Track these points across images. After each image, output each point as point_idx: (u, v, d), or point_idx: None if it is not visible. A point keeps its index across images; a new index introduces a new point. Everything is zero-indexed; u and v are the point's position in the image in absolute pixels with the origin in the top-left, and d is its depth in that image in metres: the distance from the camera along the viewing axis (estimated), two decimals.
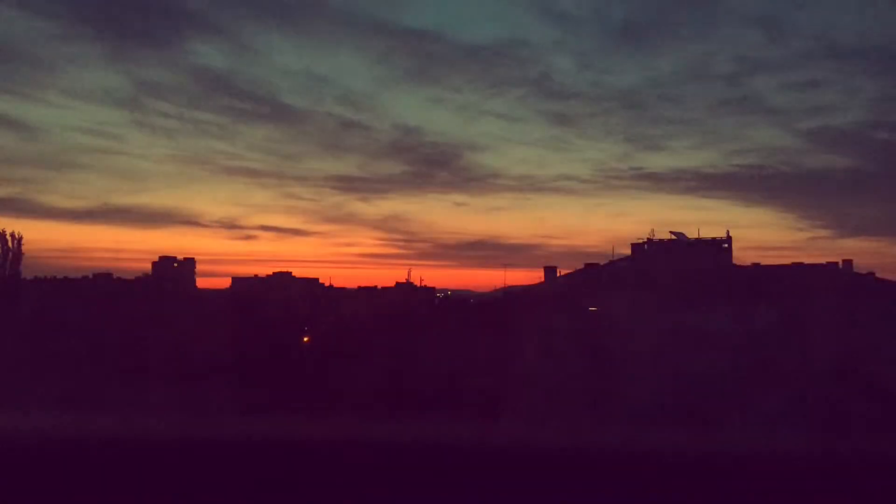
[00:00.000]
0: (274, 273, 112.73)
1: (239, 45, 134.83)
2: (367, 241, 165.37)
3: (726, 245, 44.76)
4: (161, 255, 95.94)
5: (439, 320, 53.06)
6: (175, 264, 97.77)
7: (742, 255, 53.04)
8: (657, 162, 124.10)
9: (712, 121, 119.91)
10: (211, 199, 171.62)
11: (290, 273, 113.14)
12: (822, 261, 52.94)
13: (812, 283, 48.55)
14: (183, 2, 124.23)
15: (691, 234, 46.21)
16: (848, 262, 55.83)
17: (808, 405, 27.55)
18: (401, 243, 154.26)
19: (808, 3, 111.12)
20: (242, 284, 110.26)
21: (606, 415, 39.99)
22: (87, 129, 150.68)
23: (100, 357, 31.95)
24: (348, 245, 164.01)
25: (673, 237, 45.09)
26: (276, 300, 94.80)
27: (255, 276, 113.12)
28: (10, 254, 51.52)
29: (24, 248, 52.55)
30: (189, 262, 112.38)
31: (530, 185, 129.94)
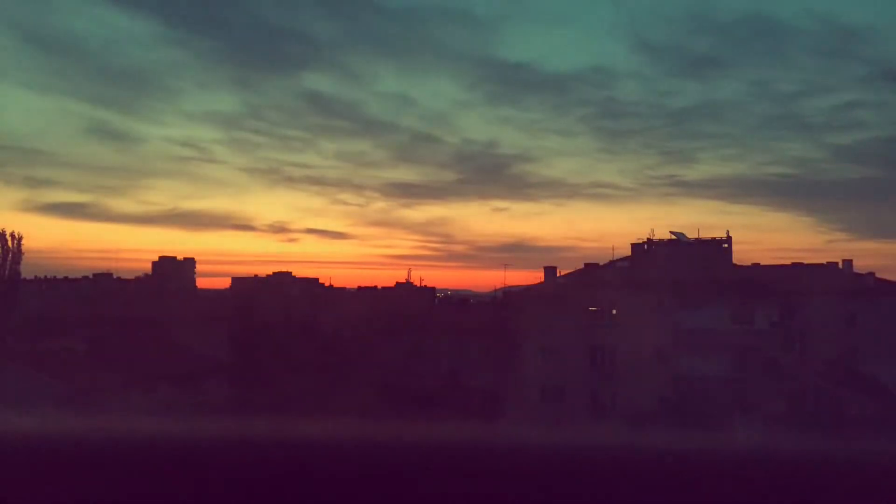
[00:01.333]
0: (274, 273, 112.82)
1: (347, 74, 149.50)
2: (404, 244, 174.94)
3: (726, 245, 44.75)
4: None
5: (439, 320, 53.12)
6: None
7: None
8: (691, 172, 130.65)
9: (748, 136, 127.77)
10: (268, 205, 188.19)
11: (290, 273, 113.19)
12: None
13: (812, 282, 48.62)
14: (305, 35, 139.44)
15: (701, 234, 46.20)
16: (848, 262, 55.82)
17: (808, 405, 27.58)
18: (437, 245, 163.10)
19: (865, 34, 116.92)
20: (242, 284, 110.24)
21: (606, 415, 40.05)
22: (181, 142, 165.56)
23: (100, 357, 31.98)
24: (386, 247, 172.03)
25: (673, 237, 45.10)
26: (276, 300, 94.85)
27: (255, 276, 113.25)
28: (10, 254, 51.55)
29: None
30: (189, 262, 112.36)
31: (569, 192, 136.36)
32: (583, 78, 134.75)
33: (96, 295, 64.40)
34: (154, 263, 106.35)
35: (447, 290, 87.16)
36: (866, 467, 1.10)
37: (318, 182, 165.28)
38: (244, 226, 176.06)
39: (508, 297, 56.81)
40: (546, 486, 1.14)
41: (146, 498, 1.23)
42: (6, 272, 51.30)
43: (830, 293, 48.65)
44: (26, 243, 49.01)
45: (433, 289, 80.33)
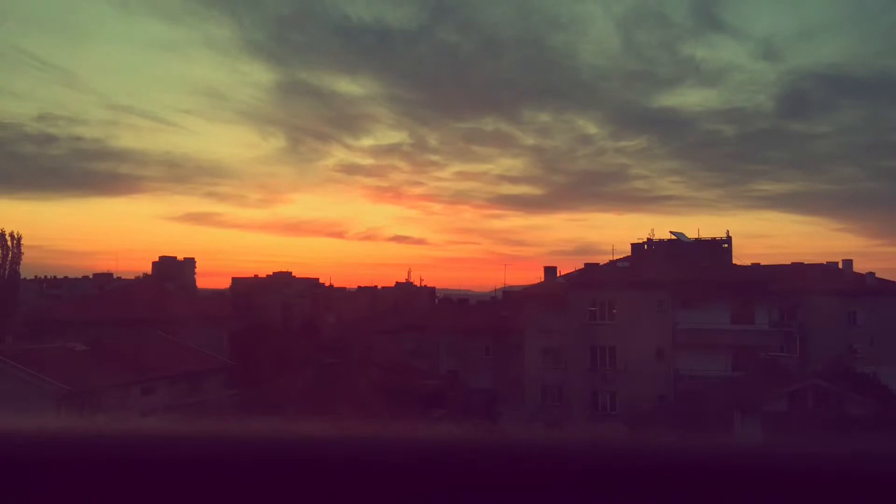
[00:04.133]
0: (274, 273, 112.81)
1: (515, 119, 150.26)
2: (471, 248, 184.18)
3: (726, 245, 44.77)
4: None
5: (439, 320, 53.13)
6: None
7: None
8: (752, 187, 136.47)
9: (804, 158, 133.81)
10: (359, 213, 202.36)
11: (290, 273, 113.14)
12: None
13: (812, 282, 48.62)
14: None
15: (701, 234, 46.18)
16: (848, 262, 55.82)
17: (808, 405, 27.58)
18: (504, 250, 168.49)
19: None
20: (242, 284, 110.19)
21: (606, 414, 40.07)
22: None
23: (100, 357, 31.99)
24: (457, 251, 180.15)
25: (673, 237, 45.12)
26: (276, 299, 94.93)
27: (255, 276, 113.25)
28: (10, 254, 51.57)
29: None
30: (189, 262, 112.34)
31: (642, 205, 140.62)
32: (702, 117, 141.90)
33: (96, 295, 64.45)
34: (154, 263, 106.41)
35: (447, 289, 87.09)
36: (866, 467, 1.10)
37: (420, 198, 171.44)
38: (337, 233, 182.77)
39: (508, 297, 56.85)
40: (546, 486, 1.14)
41: (146, 498, 1.23)
42: (6, 272, 51.35)
43: (830, 293, 48.70)
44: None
45: (433, 289, 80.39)
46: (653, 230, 45.72)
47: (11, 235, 51.33)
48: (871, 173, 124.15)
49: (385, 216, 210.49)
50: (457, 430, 1.34)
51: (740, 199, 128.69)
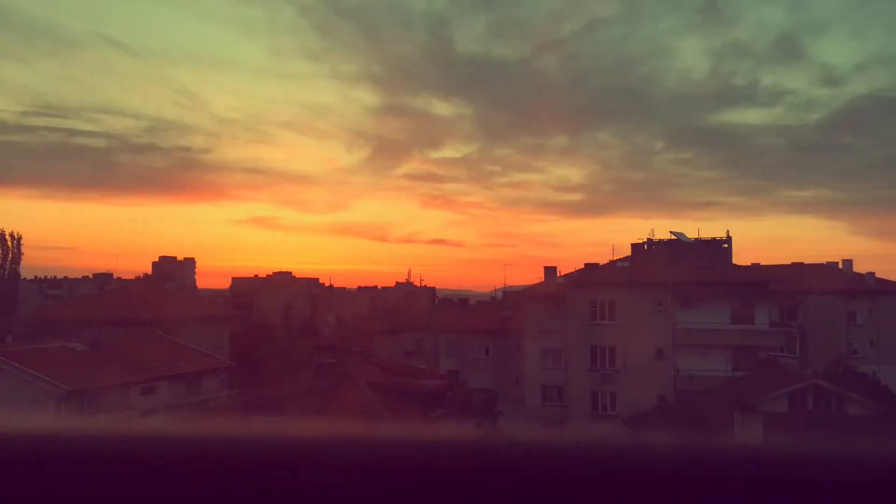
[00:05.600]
0: (274, 273, 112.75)
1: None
2: (505, 250, 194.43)
3: (726, 245, 44.73)
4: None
5: (439, 320, 53.14)
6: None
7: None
8: (799, 196, 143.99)
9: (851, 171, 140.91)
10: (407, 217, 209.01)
11: (290, 273, 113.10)
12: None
13: (812, 282, 48.61)
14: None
15: (701, 234, 46.16)
16: (848, 262, 55.80)
17: (808, 405, 27.58)
18: (537, 252, 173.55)
19: None
20: (242, 284, 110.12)
21: (605, 414, 40.08)
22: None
23: (100, 357, 31.98)
24: (490, 253, 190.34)
25: (673, 237, 45.09)
26: (276, 299, 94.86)
27: (255, 276, 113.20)
28: (10, 254, 51.57)
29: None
30: (189, 262, 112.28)
31: (684, 211, 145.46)
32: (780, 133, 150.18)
33: (96, 295, 64.43)
34: (154, 263, 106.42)
35: (447, 289, 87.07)
36: (866, 467, 1.10)
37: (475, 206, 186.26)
38: (380, 237, 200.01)
39: (508, 297, 56.84)
40: (545, 487, 1.13)
41: (146, 499, 1.23)
42: (6, 272, 51.34)
43: (830, 293, 48.70)
44: None
45: (433, 289, 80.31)
46: (653, 230, 45.67)
47: (12, 235, 51.39)
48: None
49: (431, 220, 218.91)
50: (457, 430, 1.34)
51: (775, 205, 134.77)
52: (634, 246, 45.27)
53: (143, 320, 39.70)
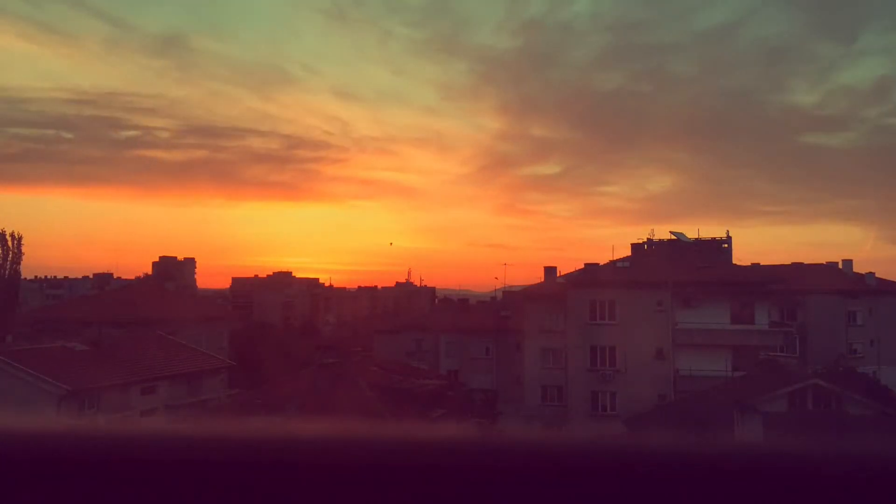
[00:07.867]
0: (274, 273, 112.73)
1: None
2: (554, 253, 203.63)
3: (726, 245, 44.76)
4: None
5: (439, 320, 53.12)
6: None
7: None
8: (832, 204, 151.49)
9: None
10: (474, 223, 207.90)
11: (290, 273, 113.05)
12: None
13: (812, 282, 48.63)
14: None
15: (701, 234, 46.15)
16: (848, 262, 55.80)
17: (808, 405, 27.58)
18: (584, 255, 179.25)
19: None
20: (242, 284, 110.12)
21: (605, 414, 40.07)
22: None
23: (100, 357, 31.97)
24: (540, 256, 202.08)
25: (673, 237, 45.10)
26: (276, 299, 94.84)
27: (255, 276, 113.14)
28: (11, 254, 51.53)
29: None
30: (189, 262, 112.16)
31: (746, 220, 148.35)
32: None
33: (96, 295, 64.42)
34: (154, 263, 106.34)
35: (447, 289, 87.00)
36: (866, 467, 1.09)
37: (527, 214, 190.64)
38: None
39: (508, 297, 56.82)
40: (545, 486, 1.13)
41: (146, 499, 1.22)
42: (6, 272, 51.31)
43: (830, 293, 48.71)
44: None
45: (433, 289, 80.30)
46: (653, 230, 45.68)
47: (12, 235, 51.33)
48: None
49: (496, 226, 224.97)
50: (457, 430, 1.34)
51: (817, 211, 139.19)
52: (634, 246, 45.31)
53: (143, 320, 39.70)
